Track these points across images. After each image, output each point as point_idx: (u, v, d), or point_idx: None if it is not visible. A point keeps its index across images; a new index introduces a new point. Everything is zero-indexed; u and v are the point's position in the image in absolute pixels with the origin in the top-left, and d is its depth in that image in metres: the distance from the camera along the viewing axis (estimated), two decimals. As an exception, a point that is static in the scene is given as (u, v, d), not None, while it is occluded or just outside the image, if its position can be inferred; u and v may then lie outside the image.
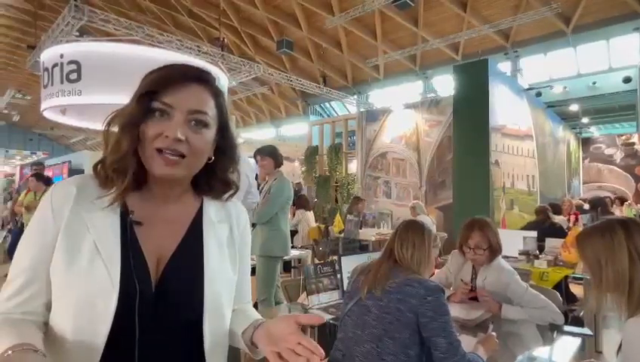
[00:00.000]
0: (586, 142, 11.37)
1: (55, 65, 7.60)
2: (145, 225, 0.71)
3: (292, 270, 3.87)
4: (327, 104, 16.99)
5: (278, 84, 14.73)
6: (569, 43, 10.24)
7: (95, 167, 0.72)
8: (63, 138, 26.93)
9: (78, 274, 0.64)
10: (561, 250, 3.04)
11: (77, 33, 8.25)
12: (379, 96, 15.04)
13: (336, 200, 8.10)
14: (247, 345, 0.74)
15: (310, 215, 5.86)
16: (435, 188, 6.80)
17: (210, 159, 0.74)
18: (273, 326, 0.68)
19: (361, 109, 13.72)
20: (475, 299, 1.87)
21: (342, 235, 4.92)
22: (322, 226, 5.90)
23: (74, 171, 16.75)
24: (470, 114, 5.32)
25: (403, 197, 7.25)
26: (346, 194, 8.06)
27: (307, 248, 5.13)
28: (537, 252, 3.18)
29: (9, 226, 4.99)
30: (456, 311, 1.73)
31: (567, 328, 1.71)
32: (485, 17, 10.44)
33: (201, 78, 0.72)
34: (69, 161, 17.26)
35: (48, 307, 0.67)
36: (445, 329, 1.25)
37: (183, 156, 0.68)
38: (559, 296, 2.02)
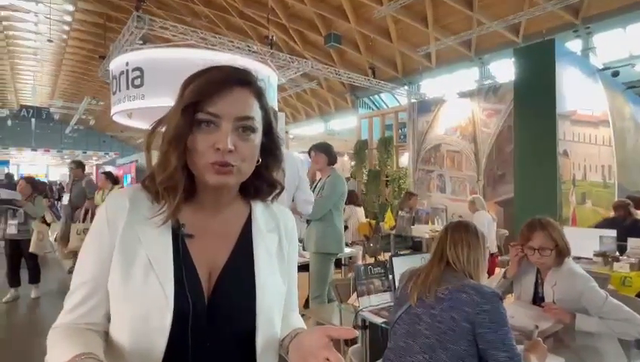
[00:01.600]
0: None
1: (122, 72, 8.26)
2: (196, 237, 0.71)
3: (342, 267, 3.84)
4: (376, 96, 16.65)
5: (327, 79, 14.70)
6: (654, 13, 9.02)
7: (143, 182, 0.72)
8: (131, 139, 29.36)
9: (134, 289, 0.64)
10: (648, 251, 2.68)
11: (140, 42, 8.87)
12: (431, 86, 14.41)
13: (394, 196, 7.91)
14: (284, 354, 0.73)
15: (360, 210, 5.79)
16: (495, 181, 6.35)
17: (258, 161, 0.73)
18: (305, 338, 0.67)
19: (412, 100, 13.31)
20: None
21: (393, 231, 4.79)
22: (373, 222, 5.80)
23: (141, 169, 18.24)
24: (534, 100, 4.88)
25: (459, 191, 6.87)
26: (397, 188, 7.84)
27: (357, 244, 5.08)
28: (617, 253, 2.82)
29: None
30: (523, 320, 1.58)
31: (657, 344, 1.49)
32: (549, -8, 9.51)
33: (243, 80, 0.70)
34: (137, 161, 18.80)
35: (108, 317, 0.69)
36: (505, 342, 1.14)
37: (234, 165, 0.67)
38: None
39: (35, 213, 4.64)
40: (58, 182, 18.97)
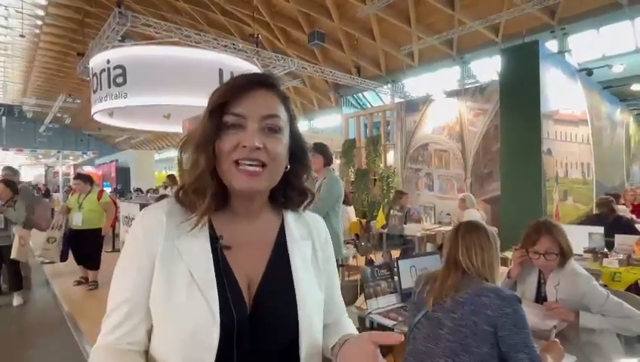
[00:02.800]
0: (646, 124, 10.47)
1: (102, 70, 8.02)
2: (233, 248, 0.70)
3: (340, 268, 3.85)
4: (360, 94, 16.73)
5: (311, 77, 14.67)
6: (626, 15, 9.41)
7: (177, 194, 0.71)
8: (109, 138, 28.51)
9: (178, 305, 0.63)
10: (635, 247, 2.80)
11: (119, 38, 8.61)
12: (414, 84, 14.61)
13: (381, 194, 7.96)
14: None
15: (350, 209, 5.81)
16: (482, 179, 6.50)
17: (286, 168, 0.72)
18: (351, 346, 0.67)
19: (398, 99, 13.43)
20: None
21: (385, 230, 4.84)
22: (363, 221, 5.84)
23: (121, 169, 17.75)
24: (519, 100, 5.01)
25: (447, 189, 7.00)
26: (386, 187, 7.91)
27: (349, 243, 5.10)
28: (606, 249, 2.95)
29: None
30: (531, 319, 1.63)
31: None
32: (528, -6, 9.79)
33: (267, 82, 0.71)
34: (117, 160, 18.30)
35: (149, 335, 0.68)
36: (527, 344, 1.17)
37: (263, 165, 0.66)
38: (641, 301, 1.84)
39: (17, 219, 4.45)
40: (33, 183, 18.25)
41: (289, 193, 0.77)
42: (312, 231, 0.81)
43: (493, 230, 1.51)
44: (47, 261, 5.56)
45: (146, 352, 0.68)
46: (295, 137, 0.74)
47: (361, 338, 0.65)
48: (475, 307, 1.24)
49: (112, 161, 18.43)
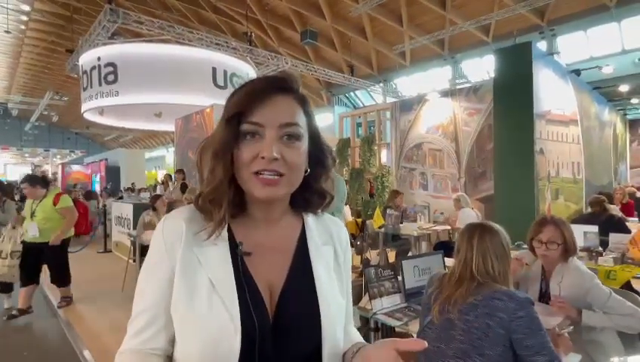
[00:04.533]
0: (633, 124, 10.72)
1: (93, 67, 7.88)
2: (253, 254, 0.70)
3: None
4: (352, 93, 16.77)
5: (303, 76, 14.64)
6: (612, 17, 9.60)
7: (196, 200, 0.70)
8: (98, 136, 28.03)
9: (199, 314, 0.63)
10: (629, 246, 2.87)
11: (109, 35, 8.47)
12: (406, 83, 14.70)
13: (372, 195, 8.00)
14: None
15: (346, 209, 5.83)
16: (476, 179, 6.58)
17: (306, 171, 0.71)
18: (372, 354, 0.66)
19: (390, 98, 13.49)
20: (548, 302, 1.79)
21: (382, 230, 4.86)
22: (359, 220, 5.86)
23: (111, 168, 17.49)
24: (513, 100, 5.09)
25: (441, 188, 7.07)
26: (380, 186, 7.95)
27: (345, 242, 5.10)
28: (600, 248, 3.02)
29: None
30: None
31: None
32: (518, -5, 9.93)
33: (285, 87, 0.69)
34: (106, 159, 18.02)
35: (171, 341, 0.68)
36: (545, 346, 1.19)
37: (281, 175, 0.65)
38: (640, 299, 1.89)
39: (6, 220, 4.36)
40: (19, 183, 17.86)
41: (309, 196, 0.76)
42: (333, 235, 0.80)
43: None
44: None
45: (169, 357, 0.68)
46: (314, 140, 0.73)
47: (383, 345, 0.64)
48: (488, 310, 1.25)
49: (101, 160, 18.13)
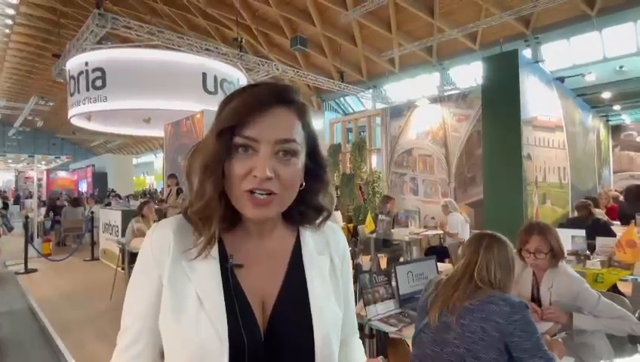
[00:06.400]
0: (616, 130, 11.02)
1: (80, 73, 7.78)
2: (245, 267, 0.67)
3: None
4: (342, 99, 16.88)
5: (292, 81, 14.69)
6: (594, 26, 9.90)
7: (185, 211, 0.68)
8: (84, 141, 27.57)
9: (187, 329, 0.61)
10: (616, 249, 2.94)
11: (97, 40, 8.38)
12: (395, 89, 14.87)
13: (364, 200, 8.03)
14: None
15: (338, 214, 5.84)
16: (465, 184, 6.67)
17: (301, 186, 0.67)
18: None
19: (380, 104, 13.61)
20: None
21: (373, 235, 4.88)
22: (350, 226, 5.87)
23: (98, 174, 17.20)
24: (501, 106, 5.19)
25: (431, 193, 7.14)
26: (371, 192, 8.00)
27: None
28: (588, 252, 3.08)
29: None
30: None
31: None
32: (503, 4, 10.19)
33: (284, 98, 0.64)
34: (93, 165, 17.72)
35: (161, 354, 0.66)
36: (540, 347, 1.21)
37: (274, 193, 0.62)
38: (628, 301, 1.94)
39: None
40: (2, 189, 17.41)
41: (304, 210, 0.72)
42: (330, 243, 0.78)
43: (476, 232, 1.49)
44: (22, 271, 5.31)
45: None
46: (312, 153, 0.69)
47: None
48: (484, 314, 1.26)
49: (88, 166, 17.82)
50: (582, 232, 3.14)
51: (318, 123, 16.60)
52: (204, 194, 0.63)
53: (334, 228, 0.82)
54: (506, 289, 1.36)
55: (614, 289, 2.96)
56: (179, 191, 5.95)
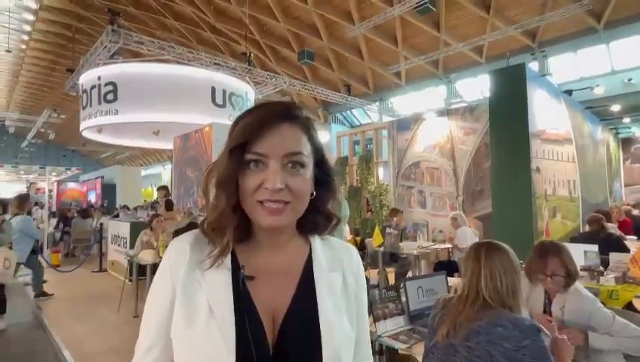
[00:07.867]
0: (626, 143, 10.90)
1: (93, 86, 7.97)
2: (257, 279, 0.68)
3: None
4: (348, 112, 16.99)
5: (300, 94, 14.84)
6: (601, 39, 9.90)
7: (201, 225, 0.71)
8: (94, 153, 27.98)
9: (197, 338, 0.63)
10: (630, 265, 2.87)
11: (110, 55, 8.60)
12: (401, 102, 14.94)
13: (371, 212, 8.00)
14: None
15: (345, 228, 5.82)
16: (473, 197, 6.62)
17: (312, 195, 0.71)
18: None
19: (386, 117, 13.65)
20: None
21: (381, 249, 4.84)
22: (358, 239, 5.84)
23: (107, 186, 17.38)
24: (508, 120, 5.18)
25: (439, 206, 7.09)
26: (379, 205, 7.97)
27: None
28: (601, 268, 3.01)
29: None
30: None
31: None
32: (509, 18, 10.25)
33: (288, 115, 0.69)
34: (102, 177, 17.93)
35: None
36: None
37: (286, 202, 0.65)
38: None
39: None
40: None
41: (315, 218, 0.75)
42: (344, 261, 0.78)
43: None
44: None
45: None
46: (320, 164, 0.73)
47: None
48: (490, 337, 1.21)
49: (97, 178, 18.05)
50: (594, 247, 3.07)
51: (324, 135, 16.68)
52: (218, 206, 0.66)
53: (349, 247, 0.83)
54: (515, 294, 1.30)
55: (629, 306, 2.89)
56: (168, 203, 5.99)
